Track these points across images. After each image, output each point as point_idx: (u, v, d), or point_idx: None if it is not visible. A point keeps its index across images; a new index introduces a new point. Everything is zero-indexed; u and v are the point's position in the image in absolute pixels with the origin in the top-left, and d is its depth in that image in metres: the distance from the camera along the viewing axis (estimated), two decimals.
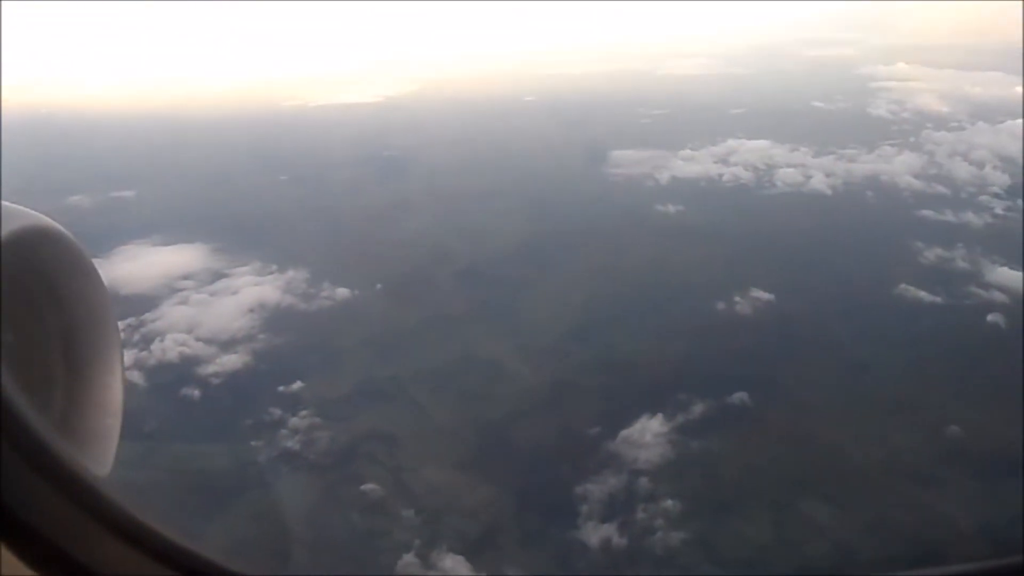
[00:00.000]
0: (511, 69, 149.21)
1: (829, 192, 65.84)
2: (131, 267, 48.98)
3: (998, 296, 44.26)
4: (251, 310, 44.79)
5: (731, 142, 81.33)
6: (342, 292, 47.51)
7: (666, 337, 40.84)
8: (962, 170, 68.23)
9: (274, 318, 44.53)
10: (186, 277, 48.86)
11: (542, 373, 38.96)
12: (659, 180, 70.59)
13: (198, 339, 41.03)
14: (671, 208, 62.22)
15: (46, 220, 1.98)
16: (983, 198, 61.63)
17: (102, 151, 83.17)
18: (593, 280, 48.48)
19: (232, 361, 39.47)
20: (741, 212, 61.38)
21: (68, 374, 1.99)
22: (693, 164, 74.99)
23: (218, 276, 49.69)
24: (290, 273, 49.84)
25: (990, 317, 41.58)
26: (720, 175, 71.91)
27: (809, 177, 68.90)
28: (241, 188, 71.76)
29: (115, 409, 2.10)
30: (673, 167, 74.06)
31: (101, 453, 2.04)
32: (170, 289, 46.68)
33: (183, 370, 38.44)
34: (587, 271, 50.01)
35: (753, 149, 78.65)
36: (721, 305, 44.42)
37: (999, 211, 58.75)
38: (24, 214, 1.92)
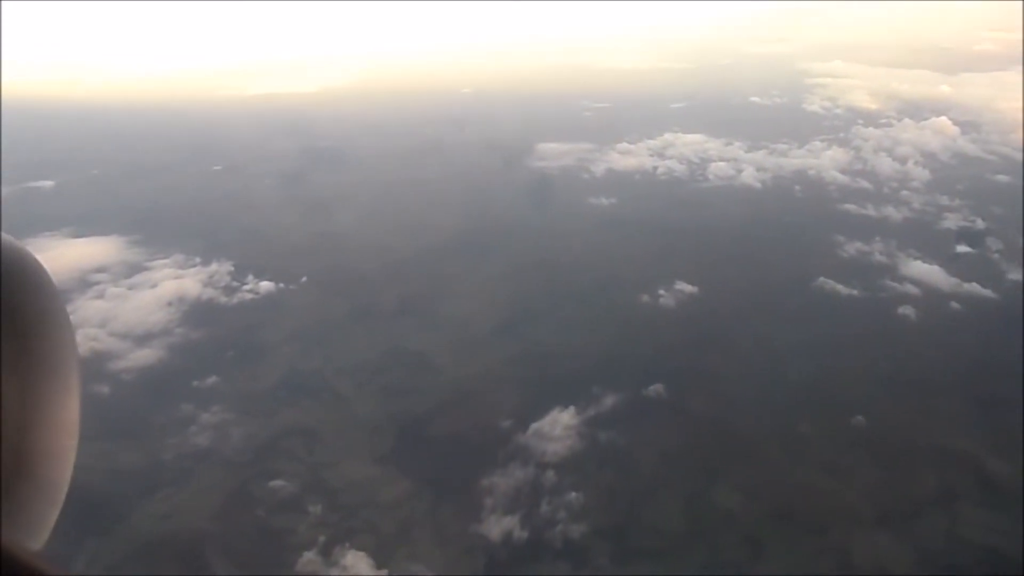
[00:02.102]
0: (450, 61, 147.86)
1: (759, 186, 67.04)
2: (42, 259, 47.23)
3: (911, 289, 45.64)
4: (169, 304, 43.78)
5: (668, 135, 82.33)
6: (266, 285, 46.74)
7: (589, 330, 41.09)
8: (886, 165, 70.24)
9: (193, 312, 43.58)
10: (100, 270, 47.51)
11: (465, 367, 38.89)
12: (594, 173, 71.11)
13: (111, 334, 39.92)
14: (604, 201, 62.65)
15: (4, 237, 1.92)
16: (904, 193, 63.51)
17: (23, 140, 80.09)
18: (522, 273, 48.54)
19: (145, 356, 38.52)
20: (672, 205, 62.04)
21: (22, 394, 1.87)
22: (629, 157, 75.68)
23: (137, 269, 48.43)
24: (213, 266, 48.87)
25: (901, 310, 42.82)
26: (655, 168, 72.69)
27: (740, 171, 70.10)
28: (171, 179, 70.11)
29: (72, 429, 2.00)
30: (610, 160, 74.72)
31: (57, 473, 1.94)
32: (83, 282, 45.30)
33: (93, 366, 37.30)
34: (517, 264, 50.05)
35: (689, 143, 79.79)
36: (645, 298, 44.90)
37: (917, 205, 60.60)
38: None
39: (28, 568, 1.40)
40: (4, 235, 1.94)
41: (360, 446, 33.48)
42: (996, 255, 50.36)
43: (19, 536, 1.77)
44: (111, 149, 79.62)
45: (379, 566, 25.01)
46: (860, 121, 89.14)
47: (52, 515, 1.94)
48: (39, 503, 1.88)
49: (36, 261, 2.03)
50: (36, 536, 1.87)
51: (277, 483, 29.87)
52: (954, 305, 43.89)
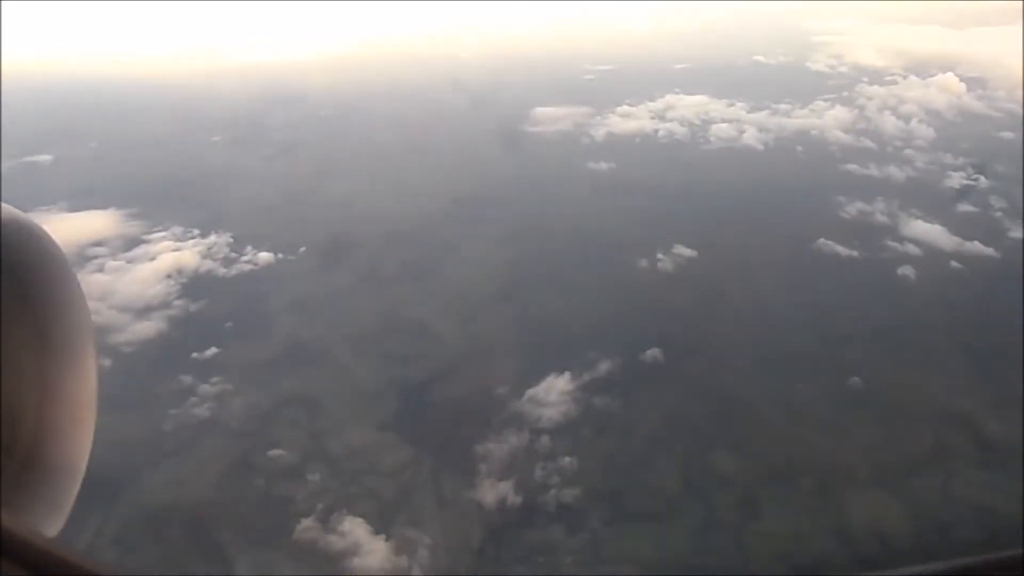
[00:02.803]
0: (449, 26, 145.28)
1: (761, 147, 66.28)
2: None
3: (912, 249, 45.30)
4: (168, 276, 43.87)
5: (669, 97, 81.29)
6: (265, 256, 46.76)
7: (586, 295, 41.05)
8: (890, 124, 69.34)
9: (192, 284, 43.67)
10: (99, 244, 47.56)
11: (465, 333, 39.03)
12: (594, 137, 70.35)
13: (111, 307, 40.10)
14: (603, 165, 62.09)
15: (13, 211, 1.91)
16: (907, 152, 62.74)
17: (22, 115, 79.58)
18: (520, 239, 48.41)
19: (146, 329, 38.72)
20: (672, 168, 61.49)
21: (40, 370, 1.86)
22: (630, 120, 74.77)
23: (135, 242, 48.42)
24: (212, 237, 48.88)
25: (901, 270, 42.56)
26: (656, 131, 71.87)
27: (743, 132, 69.27)
28: (169, 151, 69.76)
29: (90, 403, 2.01)
30: (610, 123, 73.83)
31: (74, 452, 1.93)
32: (82, 257, 45.27)
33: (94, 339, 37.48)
34: (515, 230, 49.87)
35: (691, 104, 78.79)
36: (644, 262, 44.71)
37: (920, 164, 59.89)
38: None
39: (37, 552, 1.36)
40: (13, 209, 1.91)
41: (361, 413, 33.69)
42: (999, 213, 49.82)
43: (35, 521, 1.73)
44: (109, 122, 79.21)
45: (376, 532, 25.34)
46: (865, 79, 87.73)
47: (69, 498, 1.90)
48: (55, 485, 1.85)
49: (47, 235, 2.01)
50: (53, 520, 1.83)
51: (277, 452, 30.15)
52: (954, 264, 43.58)
